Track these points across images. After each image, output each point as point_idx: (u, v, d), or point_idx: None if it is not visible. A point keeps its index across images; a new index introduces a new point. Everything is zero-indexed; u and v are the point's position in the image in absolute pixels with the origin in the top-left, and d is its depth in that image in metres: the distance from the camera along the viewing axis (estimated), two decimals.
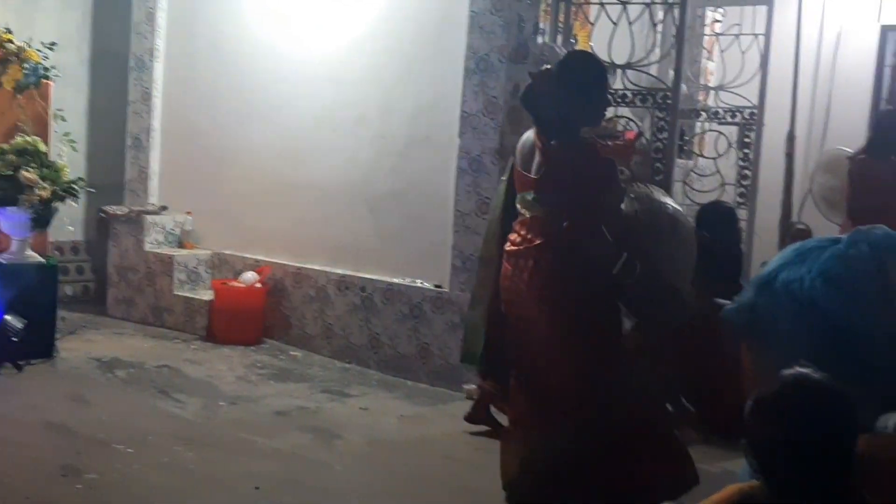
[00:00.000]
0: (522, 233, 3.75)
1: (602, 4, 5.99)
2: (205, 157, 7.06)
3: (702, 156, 7.14)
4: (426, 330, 5.84)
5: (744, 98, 6.82)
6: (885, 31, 7.78)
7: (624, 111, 6.22)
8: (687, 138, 7.15)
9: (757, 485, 2.35)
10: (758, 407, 2.22)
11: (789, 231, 6.38)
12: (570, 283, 3.62)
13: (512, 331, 3.87)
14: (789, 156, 7.03)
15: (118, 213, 7.19)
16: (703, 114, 7.16)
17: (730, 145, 6.85)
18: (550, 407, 3.69)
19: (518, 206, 3.86)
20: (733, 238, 5.66)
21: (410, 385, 5.81)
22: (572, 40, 6.29)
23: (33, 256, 5.74)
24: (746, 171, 6.88)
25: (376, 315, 6.07)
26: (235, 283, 6.63)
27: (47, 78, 6.05)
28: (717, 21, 7.66)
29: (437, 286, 5.86)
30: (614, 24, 5.82)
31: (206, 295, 6.77)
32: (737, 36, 6.97)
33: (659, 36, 6.61)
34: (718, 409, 4.55)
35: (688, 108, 7.10)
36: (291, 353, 6.37)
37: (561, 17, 6.14)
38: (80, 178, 5.90)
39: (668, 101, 5.98)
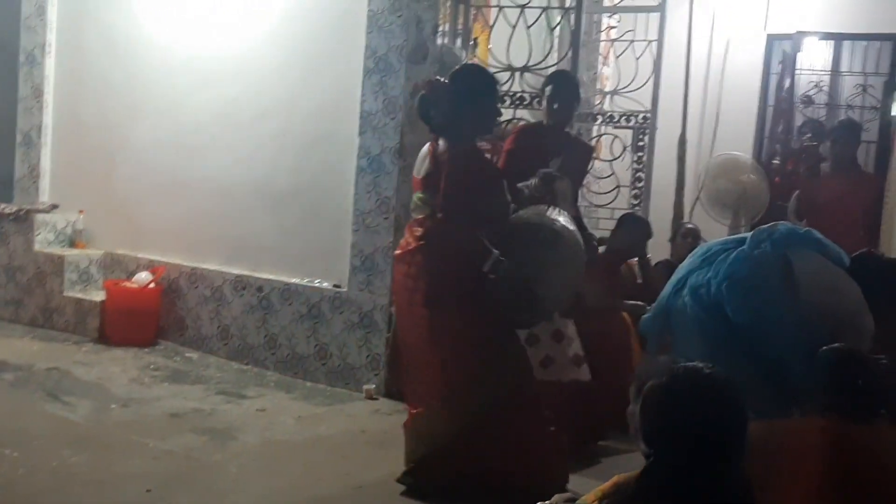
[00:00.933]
0: (408, 235, 4.00)
1: (500, 8, 6.08)
2: (98, 154, 6.88)
3: (598, 158, 7.29)
4: (325, 330, 5.82)
5: (638, 102, 7.01)
6: (772, 39, 8.10)
7: (522, 113, 6.33)
8: None
9: (638, 474, 2.42)
10: (645, 398, 2.30)
11: (679, 231, 6.56)
12: (443, 277, 3.85)
13: (402, 330, 4.08)
14: (681, 159, 7.25)
15: (7, 211, 6.96)
16: (600, 117, 7.33)
17: (624, 148, 7.02)
18: (437, 397, 3.91)
19: (411, 209, 4.11)
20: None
21: (309, 386, 5.78)
22: (471, 42, 6.37)
23: None
24: (640, 174, 7.07)
25: (274, 315, 6.02)
26: (128, 284, 6.49)
27: None
28: (613, 27, 7.84)
29: (335, 286, 5.84)
30: (512, 27, 5.92)
31: (99, 296, 6.61)
32: (631, 42, 7.14)
33: (556, 40, 6.74)
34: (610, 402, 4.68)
35: (584, 111, 7.26)
36: (187, 354, 6.26)
37: (461, 20, 6.21)
38: None
39: None
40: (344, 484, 4.18)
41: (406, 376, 4.23)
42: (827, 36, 8.12)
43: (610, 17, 7.83)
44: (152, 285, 6.43)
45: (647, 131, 6.96)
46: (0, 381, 5.36)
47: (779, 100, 8.14)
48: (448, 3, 6.09)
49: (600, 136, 7.45)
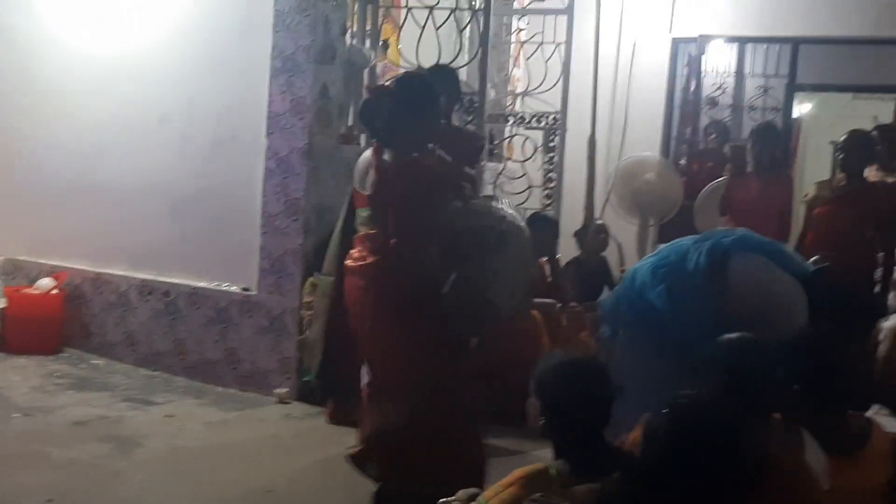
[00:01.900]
0: (360, 249, 3.91)
1: (408, 9, 6.08)
2: None
3: (510, 159, 7.35)
4: (234, 334, 5.73)
5: (548, 104, 7.08)
6: (677, 42, 8.27)
7: None
8: (496, 142, 7.37)
9: (542, 467, 2.45)
10: (538, 383, 2.66)
11: (590, 227, 6.66)
12: (400, 301, 3.76)
13: (361, 342, 3.96)
14: (591, 159, 7.35)
15: None
16: (511, 118, 7.38)
17: (536, 149, 7.09)
18: (391, 399, 3.84)
19: (357, 222, 4.01)
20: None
21: (219, 391, 5.68)
22: (381, 43, 6.36)
23: None
24: (552, 174, 7.15)
25: (181, 320, 5.89)
26: (30, 290, 6.29)
27: None
28: (522, 29, 7.90)
29: (244, 289, 5.76)
30: (421, 28, 5.92)
31: None
32: (540, 44, 7.20)
33: (466, 42, 6.77)
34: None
35: (496, 112, 7.31)
36: (92, 361, 6.10)
37: (370, 20, 6.19)
38: None
39: (476, 105, 6.16)
40: (253, 489, 4.12)
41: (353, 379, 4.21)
42: (730, 39, 8.34)
43: (519, 19, 7.89)
44: (55, 291, 6.25)
45: (558, 132, 7.05)
46: None
47: (685, 102, 8.31)
48: (356, 4, 6.07)
49: (512, 136, 7.51)
